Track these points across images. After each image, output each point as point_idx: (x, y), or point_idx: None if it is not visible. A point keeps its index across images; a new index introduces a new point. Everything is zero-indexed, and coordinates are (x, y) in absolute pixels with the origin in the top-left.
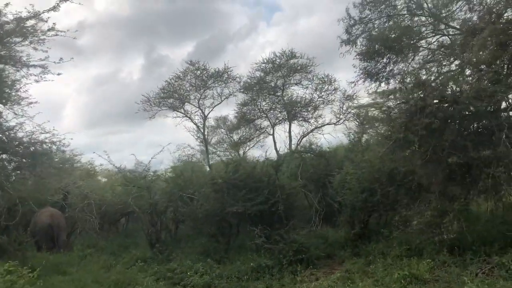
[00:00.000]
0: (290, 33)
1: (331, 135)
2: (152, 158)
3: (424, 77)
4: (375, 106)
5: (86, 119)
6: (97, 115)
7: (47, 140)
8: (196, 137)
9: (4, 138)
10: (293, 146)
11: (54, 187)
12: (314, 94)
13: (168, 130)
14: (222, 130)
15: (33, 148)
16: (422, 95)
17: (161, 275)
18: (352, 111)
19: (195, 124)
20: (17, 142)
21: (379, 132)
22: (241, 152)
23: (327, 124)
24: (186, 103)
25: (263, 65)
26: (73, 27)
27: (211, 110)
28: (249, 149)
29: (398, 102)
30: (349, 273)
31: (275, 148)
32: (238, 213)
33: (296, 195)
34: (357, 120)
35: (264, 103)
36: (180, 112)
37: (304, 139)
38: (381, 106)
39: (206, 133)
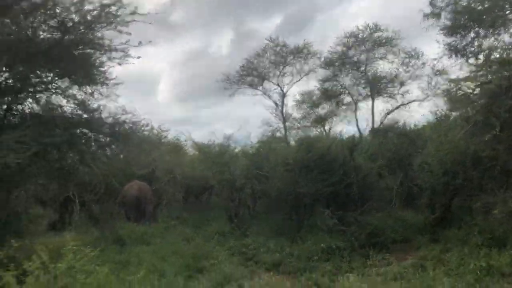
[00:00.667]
0: (383, 1)
1: (418, 112)
2: (230, 134)
3: None
4: (468, 80)
5: (179, 93)
6: (189, 89)
7: (128, 121)
8: (274, 115)
9: (89, 118)
10: (376, 124)
11: (141, 162)
12: (400, 69)
13: (258, 104)
14: (307, 105)
15: (116, 128)
16: (507, 74)
17: (236, 250)
18: (442, 87)
19: (274, 101)
20: (101, 123)
21: (459, 114)
22: (327, 127)
23: (414, 101)
24: (265, 81)
25: (345, 39)
26: (166, 3)
27: (290, 87)
28: (335, 124)
29: (480, 82)
30: (423, 260)
31: (357, 126)
32: (311, 193)
33: (373, 176)
34: (446, 97)
35: (346, 78)
36: (259, 90)
37: (389, 116)
38: (475, 81)
39: (285, 110)
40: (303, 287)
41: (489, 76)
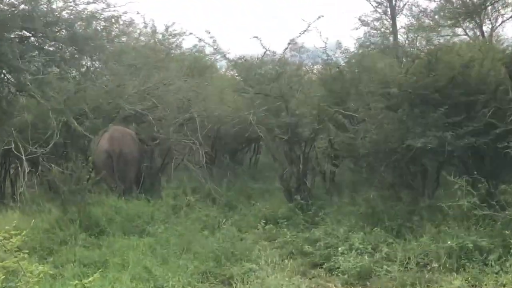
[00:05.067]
0: None
1: None
2: (288, 44)
3: None
4: None
5: None
6: None
7: (96, 15)
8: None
9: (31, 11)
10: None
11: (132, 91)
12: None
13: None
14: None
15: (79, 27)
16: None
17: (294, 249)
18: None
19: None
20: (52, 19)
21: None
22: (484, 28)
23: None
24: None
25: None
26: None
27: None
28: (501, 22)
29: None
30: None
31: None
32: (434, 149)
33: None
34: None
35: None
36: None
37: None
38: None
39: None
40: None
41: None
